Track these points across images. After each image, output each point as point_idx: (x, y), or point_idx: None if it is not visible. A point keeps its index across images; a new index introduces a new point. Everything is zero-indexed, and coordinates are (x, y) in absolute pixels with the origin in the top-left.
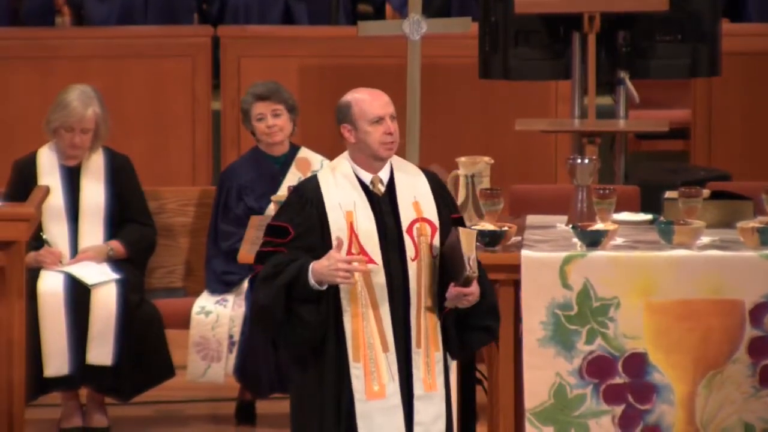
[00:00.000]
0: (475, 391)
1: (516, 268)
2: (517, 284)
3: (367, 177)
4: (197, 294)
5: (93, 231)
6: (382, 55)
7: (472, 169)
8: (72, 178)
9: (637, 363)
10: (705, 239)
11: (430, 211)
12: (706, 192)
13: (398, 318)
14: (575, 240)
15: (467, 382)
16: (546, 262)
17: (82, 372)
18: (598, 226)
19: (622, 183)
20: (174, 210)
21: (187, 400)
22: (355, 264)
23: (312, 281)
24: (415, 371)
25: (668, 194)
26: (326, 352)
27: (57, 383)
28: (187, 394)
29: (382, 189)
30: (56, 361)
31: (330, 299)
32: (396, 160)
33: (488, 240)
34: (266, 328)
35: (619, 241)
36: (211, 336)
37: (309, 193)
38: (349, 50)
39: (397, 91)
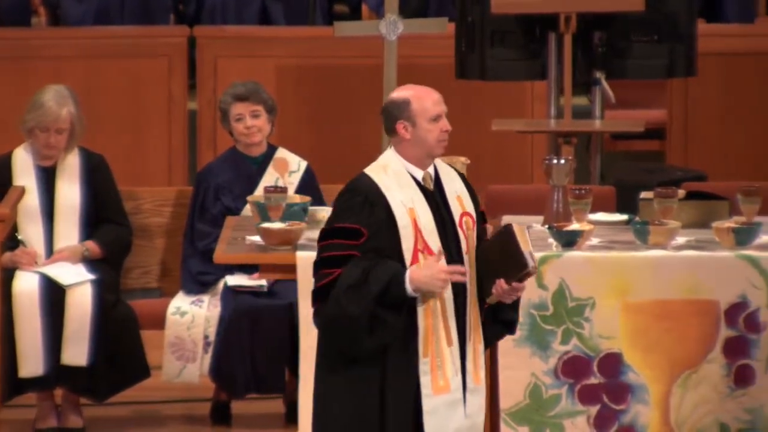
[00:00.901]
0: None
1: None
2: None
3: (418, 173)
4: (173, 294)
5: (68, 231)
6: (359, 56)
7: None
8: (47, 179)
9: (613, 363)
10: (680, 239)
11: (470, 206)
12: (681, 192)
13: (459, 312)
14: (551, 240)
15: None
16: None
17: (57, 372)
18: (574, 226)
19: (597, 183)
20: (150, 210)
21: (163, 401)
22: (457, 275)
23: (409, 289)
24: (468, 365)
25: (644, 194)
26: (392, 350)
27: (32, 384)
28: (163, 395)
29: (431, 185)
30: (31, 362)
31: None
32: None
33: None
34: (344, 336)
35: (594, 241)
36: (187, 336)
37: (371, 194)
38: (325, 50)
39: (374, 91)
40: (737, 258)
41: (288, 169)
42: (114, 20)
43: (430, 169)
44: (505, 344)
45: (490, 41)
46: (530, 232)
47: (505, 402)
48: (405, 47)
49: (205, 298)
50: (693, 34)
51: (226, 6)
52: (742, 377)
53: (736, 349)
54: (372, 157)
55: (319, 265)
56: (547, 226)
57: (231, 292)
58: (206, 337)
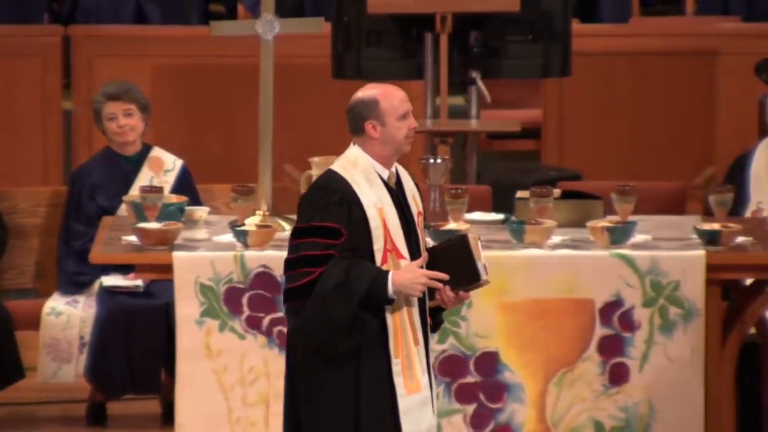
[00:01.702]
0: None
1: None
2: None
3: (384, 172)
4: (48, 295)
5: None
6: (236, 55)
7: (324, 169)
8: None
9: (489, 362)
10: (556, 239)
11: (420, 204)
12: (557, 192)
13: (422, 311)
14: (428, 240)
15: None
16: None
17: None
18: (451, 225)
19: (474, 183)
20: (25, 210)
21: (38, 402)
22: (435, 283)
23: (391, 292)
24: (430, 361)
25: (520, 194)
26: (365, 353)
27: None
28: (38, 396)
29: (395, 184)
30: None
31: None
32: None
33: None
34: (321, 336)
35: None
36: (62, 337)
37: (346, 193)
38: (201, 50)
39: (250, 90)
40: (612, 257)
41: (163, 168)
42: None
43: (393, 168)
44: None
45: (366, 41)
46: None
47: None
48: (281, 47)
49: (81, 298)
50: (568, 33)
51: (101, 5)
52: (616, 375)
53: (610, 347)
54: (248, 156)
55: (295, 263)
56: (423, 225)
57: (107, 292)
58: (81, 337)
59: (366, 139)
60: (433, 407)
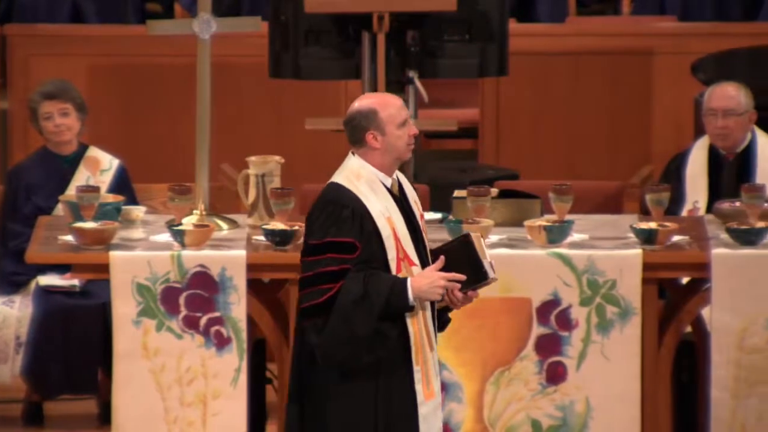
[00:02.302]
0: (265, 391)
1: None
2: None
3: (387, 181)
4: None
5: None
6: (173, 54)
7: (262, 168)
8: None
9: None
10: (494, 238)
11: (422, 210)
12: (494, 191)
13: (433, 320)
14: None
15: (257, 382)
16: None
17: None
18: None
19: (411, 182)
20: None
21: None
22: (455, 283)
23: (411, 298)
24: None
25: (457, 193)
26: (387, 364)
27: None
28: None
29: (397, 190)
30: None
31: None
32: None
33: (279, 239)
34: (344, 353)
35: None
36: None
37: (356, 206)
38: (138, 49)
39: (188, 89)
40: (549, 256)
41: (100, 167)
42: None
43: (395, 175)
44: None
45: (303, 40)
46: None
47: None
48: (218, 46)
49: (17, 298)
50: (505, 33)
51: (37, 4)
52: (553, 374)
53: (547, 346)
54: (185, 156)
55: (313, 280)
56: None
57: (43, 292)
58: (18, 337)
59: (367, 150)
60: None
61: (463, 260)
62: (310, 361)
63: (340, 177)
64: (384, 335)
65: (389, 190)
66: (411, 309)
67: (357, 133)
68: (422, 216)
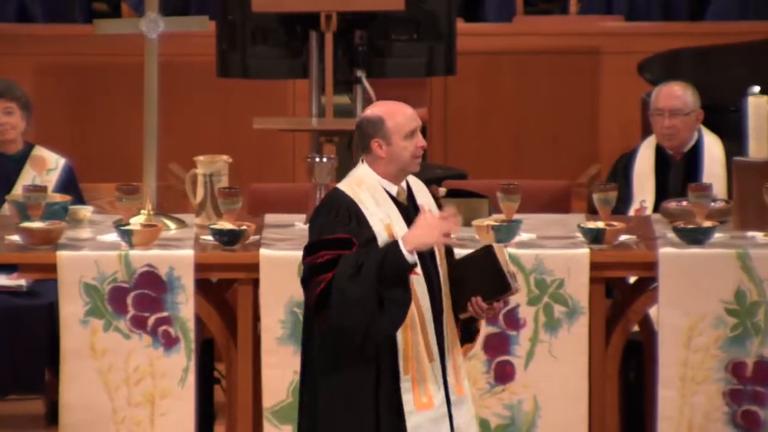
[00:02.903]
0: (213, 391)
1: (255, 267)
2: (255, 283)
3: (393, 188)
4: None
5: None
6: (120, 54)
7: (210, 167)
8: None
9: None
10: None
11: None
12: (442, 190)
13: (438, 328)
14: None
15: (205, 382)
16: (285, 260)
17: None
18: None
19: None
20: None
21: None
22: (452, 219)
23: (405, 252)
24: (449, 378)
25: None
26: (378, 367)
27: None
28: None
29: (405, 199)
30: None
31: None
32: None
33: (227, 239)
34: (359, 321)
35: None
36: None
37: (351, 208)
38: (86, 48)
39: (135, 89)
40: None
41: (46, 167)
42: None
43: (404, 183)
44: (268, 343)
45: (251, 39)
46: (293, 231)
47: (268, 401)
48: (166, 45)
49: None
50: (452, 33)
51: None
52: (501, 374)
53: (496, 345)
54: (132, 155)
55: (311, 275)
56: (309, 224)
57: None
58: None
59: (373, 158)
60: (452, 422)
61: (487, 271)
62: (321, 368)
63: (343, 183)
64: (392, 300)
65: (394, 198)
66: (412, 265)
67: (363, 140)
68: None
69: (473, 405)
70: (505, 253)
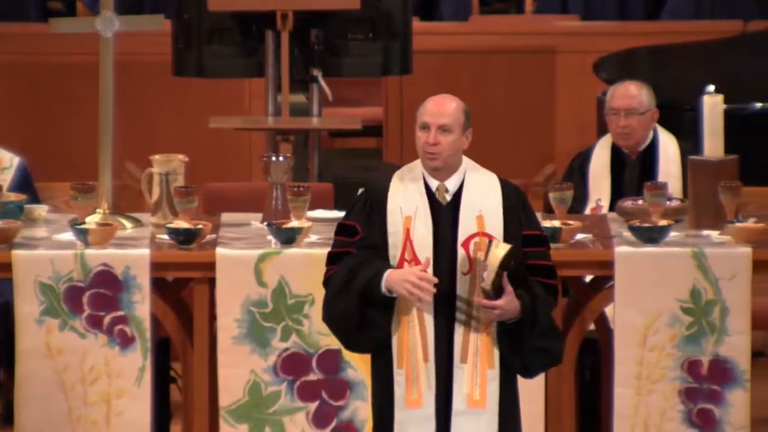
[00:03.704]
0: (170, 390)
1: (211, 266)
2: (212, 282)
3: (434, 184)
4: None
5: None
6: (75, 52)
7: (166, 167)
8: None
9: (332, 360)
10: None
11: (495, 227)
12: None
13: (442, 330)
14: (270, 237)
15: (161, 381)
16: (241, 259)
17: None
18: (293, 223)
19: (316, 180)
20: None
21: None
22: (425, 284)
23: (383, 287)
24: (456, 386)
25: (362, 191)
26: (376, 358)
27: None
28: None
29: (448, 198)
30: None
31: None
32: (475, 170)
33: (183, 238)
34: (340, 333)
35: (313, 238)
36: None
37: (374, 195)
38: (41, 47)
39: (91, 88)
40: None
41: (1, 166)
42: None
43: (451, 181)
44: (224, 342)
45: (207, 38)
46: (249, 230)
47: (224, 400)
48: (122, 44)
49: None
50: (408, 32)
51: None
52: None
53: None
54: (88, 154)
55: (328, 258)
56: (266, 223)
57: None
58: None
59: None
60: (447, 430)
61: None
62: None
63: (399, 170)
64: (371, 320)
65: (432, 193)
66: (387, 299)
67: None
68: (483, 233)
69: (495, 421)
70: (503, 250)
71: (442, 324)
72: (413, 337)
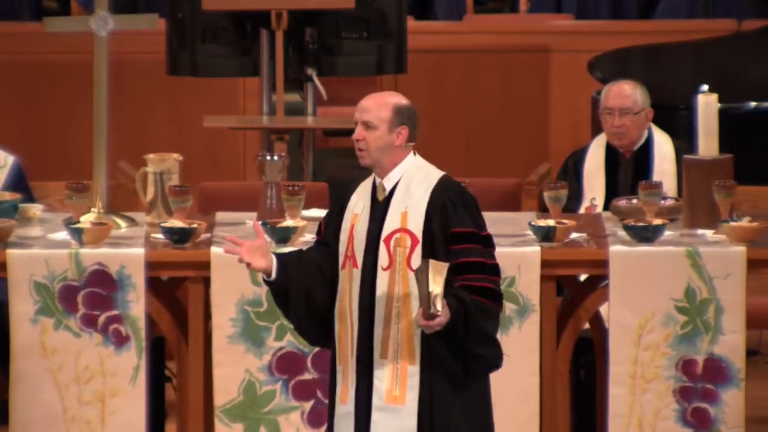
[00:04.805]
0: (164, 389)
1: (206, 265)
2: (206, 281)
3: (377, 181)
4: None
5: None
6: (69, 51)
7: (160, 166)
8: None
9: (326, 359)
10: None
11: (415, 224)
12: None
13: (365, 325)
14: (265, 237)
15: (156, 380)
16: (236, 259)
17: None
18: (288, 222)
19: (310, 179)
20: None
21: None
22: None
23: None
24: (376, 381)
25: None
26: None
27: None
28: None
29: (384, 195)
30: None
31: (301, 298)
32: (418, 168)
33: (177, 237)
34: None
35: (308, 237)
36: None
37: (343, 194)
38: (35, 46)
39: (85, 87)
40: None
41: None
42: None
43: (389, 179)
44: (219, 341)
45: (201, 37)
46: (244, 229)
47: (219, 399)
48: (116, 43)
49: None
50: (402, 31)
51: None
52: None
53: None
54: (82, 153)
55: None
56: (260, 222)
57: None
58: None
59: None
60: (369, 428)
61: (420, 284)
62: None
63: None
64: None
65: (374, 191)
66: (271, 283)
67: None
68: (403, 229)
69: (414, 419)
70: (442, 270)
71: (366, 319)
72: (347, 335)
